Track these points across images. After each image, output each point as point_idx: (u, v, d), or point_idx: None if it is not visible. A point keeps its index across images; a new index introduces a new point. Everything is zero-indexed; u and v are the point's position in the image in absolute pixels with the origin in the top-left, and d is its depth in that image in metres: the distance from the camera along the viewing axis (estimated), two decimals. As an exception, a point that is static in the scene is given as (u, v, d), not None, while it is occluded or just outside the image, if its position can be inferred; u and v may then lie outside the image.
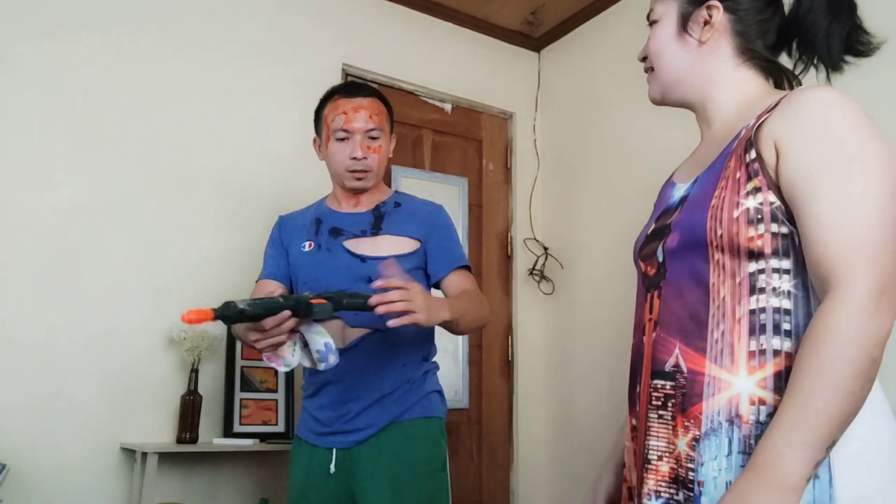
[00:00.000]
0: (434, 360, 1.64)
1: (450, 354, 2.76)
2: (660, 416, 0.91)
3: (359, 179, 1.60)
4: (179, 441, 2.05)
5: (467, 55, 3.03)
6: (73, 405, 2.00)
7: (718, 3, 1.00)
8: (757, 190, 0.86)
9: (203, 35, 2.37)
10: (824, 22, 0.96)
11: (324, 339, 1.34)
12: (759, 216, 0.85)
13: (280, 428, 2.23)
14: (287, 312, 1.24)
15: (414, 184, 2.74)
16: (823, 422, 0.75)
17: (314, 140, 1.69)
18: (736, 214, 0.86)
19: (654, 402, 0.92)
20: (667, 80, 1.06)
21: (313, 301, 1.26)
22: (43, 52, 2.09)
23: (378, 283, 1.28)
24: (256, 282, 1.69)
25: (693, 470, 0.86)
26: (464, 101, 3.00)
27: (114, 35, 2.21)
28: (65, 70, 2.12)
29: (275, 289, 1.63)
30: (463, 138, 3.00)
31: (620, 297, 2.62)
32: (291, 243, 1.65)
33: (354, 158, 1.57)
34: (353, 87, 1.66)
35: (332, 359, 1.36)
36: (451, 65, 2.97)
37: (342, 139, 1.58)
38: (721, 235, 0.87)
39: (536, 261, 3.01)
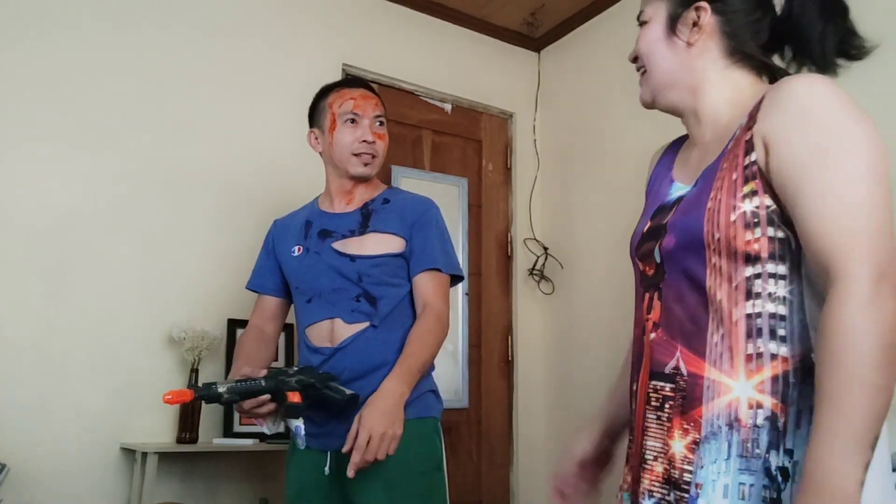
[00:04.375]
0: None
1: (449, 354, 2.76)
2: (657, 417, 0.92)
3: (366, 164, 1.60)
4: (179, 441, 2.05)
5: (467, 55, 3.03)
6: (73, 405, 2.00)
7: (706, 5, 0.97)
8: (754, 193, 0.86)
9: (202, 35, 2.37)
10: (818, 25, 0.95)
11: (296, 423, 1.47)
12: (756, 220, 0.85)
13: (280, 428, 2.22)
14: (266, 396, 1.35)
15: (413, 184, 2.74)
16: (860, 422, 0.73)
17: (309, 133, 1.68)
18: (733, 218, 0.85)
19: (652, 403, 0.93)
20: (657, 83, 1.04)
21: (288, 394, 1.36)
22: (41, 52, 2.09)
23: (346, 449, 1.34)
24: (254, 293, 1.72)
25: (690, 472, 0.86)
26: (464, 101, 3.00)
27: (112, 35, 2.21)
28: (62, 70, 2.12)
29: (274, 308, 1.69)
30: (463, 138, 3.00)
31: (620, 296, 2.62)
32: (282, 248, 1.66)
33: (364, 141, 1.59)
34: (355, 80, 1.70)
35: (300, 442, 1.49)
36: (451, 65, 2.97)
37: (352, 122, 1.60)
38: (718, 239, 0.86)
39: (536, 261, 3.01)
